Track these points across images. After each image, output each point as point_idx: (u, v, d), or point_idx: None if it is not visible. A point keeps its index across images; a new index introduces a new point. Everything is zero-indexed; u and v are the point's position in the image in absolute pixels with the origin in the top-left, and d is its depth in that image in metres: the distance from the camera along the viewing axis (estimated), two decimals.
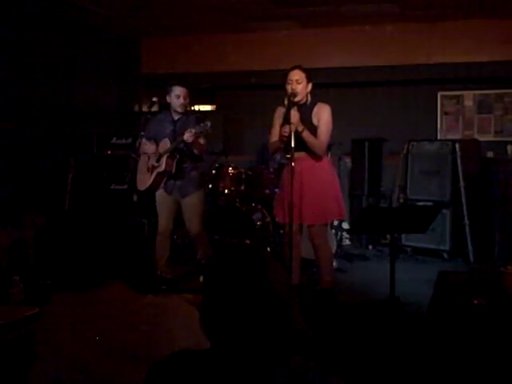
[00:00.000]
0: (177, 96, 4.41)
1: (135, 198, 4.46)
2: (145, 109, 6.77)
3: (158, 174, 4.42)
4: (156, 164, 4.42)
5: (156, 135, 4.52)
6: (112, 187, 4.60)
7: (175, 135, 4.43)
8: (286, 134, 3.79)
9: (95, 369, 1.47)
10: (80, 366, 1.49)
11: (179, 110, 4.43)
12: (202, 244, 4.65)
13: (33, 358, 1.56)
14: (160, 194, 4.54)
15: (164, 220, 4.53)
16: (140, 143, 4.65)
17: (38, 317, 1.84)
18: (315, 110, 3.97)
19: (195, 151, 4.34)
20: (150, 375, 1.21)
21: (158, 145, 4.43)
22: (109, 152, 4.67)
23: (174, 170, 4.39)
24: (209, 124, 4.22)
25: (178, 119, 4.49)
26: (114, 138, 5.85)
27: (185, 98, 4.44)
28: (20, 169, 5.30)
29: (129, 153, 5.29)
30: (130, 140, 4.54)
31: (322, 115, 3.96)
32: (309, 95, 4.01)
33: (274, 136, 4.08)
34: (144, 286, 1.63)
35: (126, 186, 5.51)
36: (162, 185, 4.49)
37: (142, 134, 4.63)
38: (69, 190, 5.48)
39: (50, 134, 5.74)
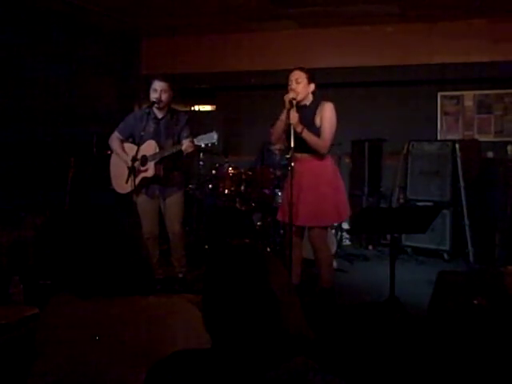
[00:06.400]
0: (154, 90, 4.20)
1: (134, 198, 4.44)
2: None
3: (145, 178, 4.27)
4: (142, 168, 4.23)
5: (134, 132, 4.33)
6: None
7: (159, 135, 4.26)
8: (292, 96, 3.79)
9: (95, 369, 1.47)
10: (80, 366, 1.49)
11: (157, 105, 4.19)
12: (178, 248, 4.51)
13: (33, 357, 1.56)
14: (142, 199, 4.39)
15: (149, 225, 4.37)
16: (113, 137, 4.45)
17: (38, 317, 1.84)
18: (317, 110, 3.92)
19: (185, 154, 4.14)
20: (150, 375, 1.21)
21: (137, 143, 4.18)
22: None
23: (162, 174, 4.25)
24: (215, 137, 3.99)
25: (162, 118, 4.30)
26: None
27: (163, 93, 4.19)
28: (20, 169, 5.30)
29: None
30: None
31: (324, 113, 3.90)
32: (311, 96, 3.97)
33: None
34: (143, 286, 1.62)
35: None
36: (144, 189, 4.36)
37: (120, 127, 4.43)
38: (69, 189, 5.48)
39: (50, 134, 5.73)
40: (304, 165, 3.93)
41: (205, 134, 4.04)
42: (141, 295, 1.57)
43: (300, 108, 3.90)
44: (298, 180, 3.87)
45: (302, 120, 3.84)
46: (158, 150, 4.22)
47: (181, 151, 4.12)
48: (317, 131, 3.88)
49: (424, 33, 6.26)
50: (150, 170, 4.23)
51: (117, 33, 6.81)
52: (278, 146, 6.27)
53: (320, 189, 3.93)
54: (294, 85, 3.89)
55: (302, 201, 3.89)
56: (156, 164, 4.21)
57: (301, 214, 3.89)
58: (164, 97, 4.22)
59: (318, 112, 3.92)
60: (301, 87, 3.89)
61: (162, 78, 4.28)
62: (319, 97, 4.04)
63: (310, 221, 3.94)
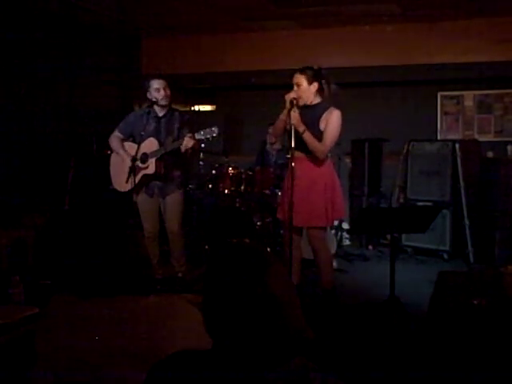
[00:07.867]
0: (156, 89, 4.22)
1: (135, 197, 4.44)
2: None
3: (145, 175, 4.27)
4: (142, 165, 4.23)
5: (135, 132, 4.34)
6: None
7: (160, 133, 4.27)
8: (293, 95, 3.78)
9: (95, 369, 1.47)
10: (80, 366, 1.49)
11: (163, 102, 4.23)
12: (178, 248, 4.50)
13: (33, 358, 1.56)
14: (142, 197, 4.39)
15: (149, 224, 4.39)
16: (113, 137, 4.44)
17: (38, 317, 1.84)
18: (324, 115, 3.85)
19: (186, 153, 4.15)
20: (150, 375, 1.21)
21: (137, 142, 4.20)
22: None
23: (162, 172, 4.25)
24: (216, 131, 4.03)
25: (163, 116, 4.31)
26: None
27: (165, 90, 4.24)
28: (20, 169, 5.30)
29: None
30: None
31: (331, 119, 3.83)
32: (317, 95, 3.90)
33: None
34: (143, 285, 1.63)
35: None
36: (144, 188, 4.35)
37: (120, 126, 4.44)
38: (69, 189, 5.48)
39: (50, 134, 5.74)
40: (301, 164, 3.91)
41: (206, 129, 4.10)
42: (141, 295, 1.58)
43: (304, 107, 3.85)
44: (296, 180, 3.87)
45: (304, 119, 3.80)
46: (158, 147, 4.23)
47: (181, 150, 4.13)
48: (319, 134, 3.83)
49: (424, 33, 6.26)
50: (150, 166, 4.23)
51: (117, 33, 6.81)
52: (275, 146, 6.31)
53: (312, 189, 3.91)
54: (295, 88, 3.85)
55: (297, 201, 3.88)
56: (157, 161, 4.22)
57: (295, 214, 3.88)
58: (168, 93, 4.28)
59: (324, 116, 3.85)
60: (301, 90, 3.83)
61: (159, 77, 4.32)
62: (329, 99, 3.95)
63: (300, 221, 3.92)
